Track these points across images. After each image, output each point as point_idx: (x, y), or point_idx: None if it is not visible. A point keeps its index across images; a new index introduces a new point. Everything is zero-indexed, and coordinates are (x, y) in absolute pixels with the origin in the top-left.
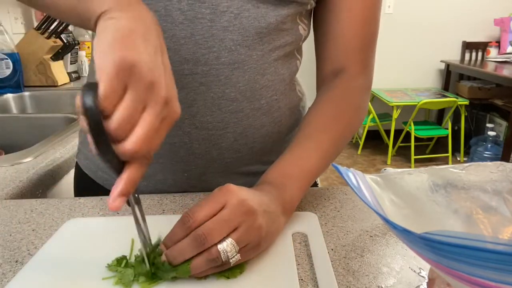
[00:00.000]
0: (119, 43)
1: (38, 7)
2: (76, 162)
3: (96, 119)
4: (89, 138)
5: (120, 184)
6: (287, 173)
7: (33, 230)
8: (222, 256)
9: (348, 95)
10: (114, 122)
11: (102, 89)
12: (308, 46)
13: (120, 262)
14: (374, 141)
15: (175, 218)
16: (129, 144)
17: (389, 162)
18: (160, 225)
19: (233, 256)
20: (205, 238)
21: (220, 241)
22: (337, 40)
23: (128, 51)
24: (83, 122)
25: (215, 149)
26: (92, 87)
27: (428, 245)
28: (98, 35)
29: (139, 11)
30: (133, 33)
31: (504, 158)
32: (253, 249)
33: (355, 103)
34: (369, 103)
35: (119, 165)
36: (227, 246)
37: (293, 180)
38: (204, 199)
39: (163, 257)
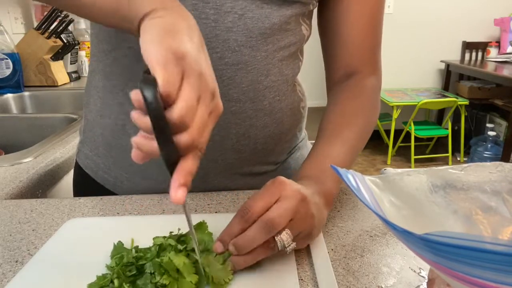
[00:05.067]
0: (167, 36)
1: (67, 8)
2: (76, 162)
3: (159, 113)
4: (139, 140)
5: (178, 176)
6: (322, 167)
7: (33, 230)
8: (278, 245)
9: (363, 94)
10: (178, 110)
11: (161, 76)
12: (306, 47)
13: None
14: (374, 141)
15: (175, 218)
16: (188, 134)
17: (389, 162)
18: (160, 225)
19: (289, 245)
20: (273, 224)
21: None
22: (348, 45)
23: (177, 43)
24: (141, 121)
25: (217, 150)
26: (149, 81)
27: (428, 245)
28: (144, 33)
29: (183, 11)
30: (179, 29)
31: (504, 158)
32: (306, 237)
33: (371, 100)
34: None
35: (175, 161)
36: (283, 235)
37: (329, 174)
38: (257, 192)
39: (230, 247)
